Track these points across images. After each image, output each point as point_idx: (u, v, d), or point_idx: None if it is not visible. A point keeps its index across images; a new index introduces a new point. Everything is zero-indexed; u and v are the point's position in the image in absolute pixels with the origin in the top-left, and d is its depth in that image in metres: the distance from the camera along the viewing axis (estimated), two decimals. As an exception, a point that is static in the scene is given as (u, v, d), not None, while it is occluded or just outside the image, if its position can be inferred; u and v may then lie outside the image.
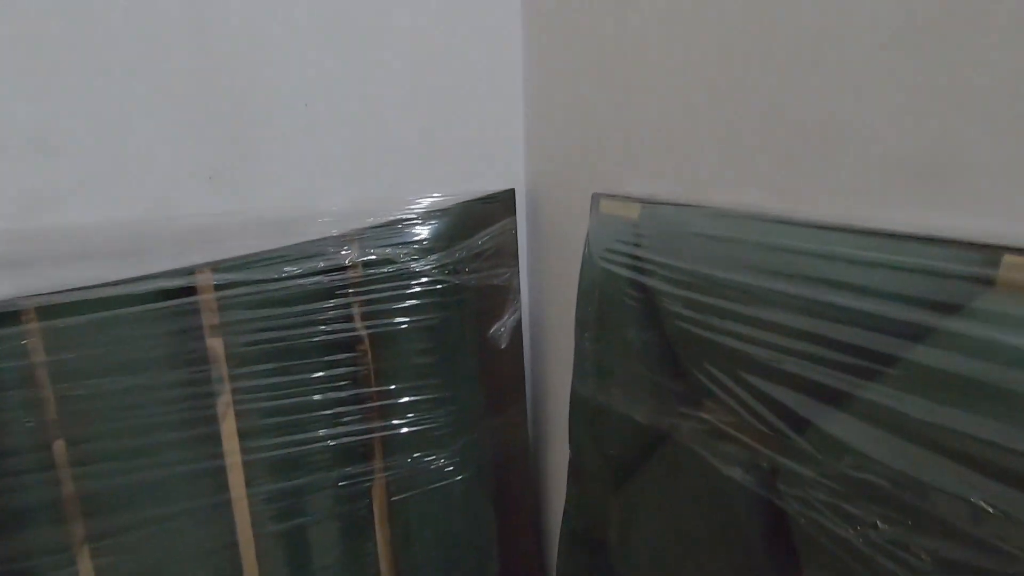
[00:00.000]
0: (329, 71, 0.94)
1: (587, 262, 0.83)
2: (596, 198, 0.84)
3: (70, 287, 0.78)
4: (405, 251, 0.93)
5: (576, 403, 0.88)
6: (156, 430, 0.83)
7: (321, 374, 0.92)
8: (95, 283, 0.79)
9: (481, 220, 1.04)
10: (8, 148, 0.78)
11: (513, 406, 1.15)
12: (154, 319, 0.81)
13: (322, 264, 0.88)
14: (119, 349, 0.79)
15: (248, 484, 0.90)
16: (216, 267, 0.83)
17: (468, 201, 1.03)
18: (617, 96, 0.82)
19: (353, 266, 0.92)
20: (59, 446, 0.78)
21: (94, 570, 0.81)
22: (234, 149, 0.89)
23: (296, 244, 0.87)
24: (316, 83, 0.93)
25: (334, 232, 0.90)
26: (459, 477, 1.04)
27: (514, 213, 1.09)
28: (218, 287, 0.83)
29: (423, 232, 0.96)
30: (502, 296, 1.10)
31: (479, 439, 1.08)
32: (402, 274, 0.94)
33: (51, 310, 0.76)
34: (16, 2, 0.75)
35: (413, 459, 1.00)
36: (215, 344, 0.84)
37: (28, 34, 0.76)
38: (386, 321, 0.95)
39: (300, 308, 0.87)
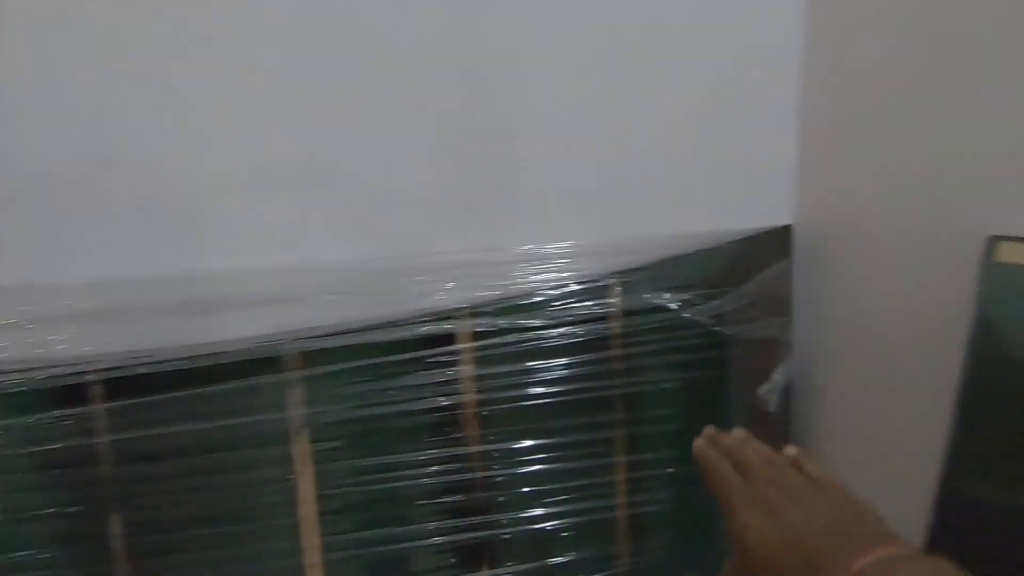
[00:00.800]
0: (591, 100, 0.83)
1: (982, 327, 0.64)
2: (992, 242, 0.64)
3: (329, 329, 0.79)
4: (676, 297, 0.79)
5: (959, 506, 0.68)
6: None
7: (569, 439, 0.80)
8: (354, 327, 0.77)
9: (754, 261, 0.87)
10: (276, 182, 0.78)
11: None
12: (411, 370, 0.74)
13: (579, 309, 0.77)
14: (376, 401, 0.73)
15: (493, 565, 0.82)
16: (474, 312, 0.75)
17: (740, 240, 0.86)
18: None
19: (615, 315, 0.80)
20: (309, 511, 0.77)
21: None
22: (489, 180, 0.81)
23: (549, 288, 0.77)
24: (576, 111, 0.83)
25: (588, 272, 0.79)
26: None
27: (789, 254, 0.90)
28: (476, 335, 0.75)
29: (693, 275, 0.82)
30: (771, 351, 0.92)
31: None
32: (671, 324, 0.81)
33: (311, 356, 0.71)
34: (288, 34, 0.76)
35: (665, 545, 0.85)
36: (467, 400, 0.76)
37: (300, 66, 0.75)
38: (646, 379, 0.82)
39: (559, 361, 0.76)
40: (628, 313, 0.82)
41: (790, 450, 0.47)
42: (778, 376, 0.92)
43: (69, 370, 0.67)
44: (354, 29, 0.77)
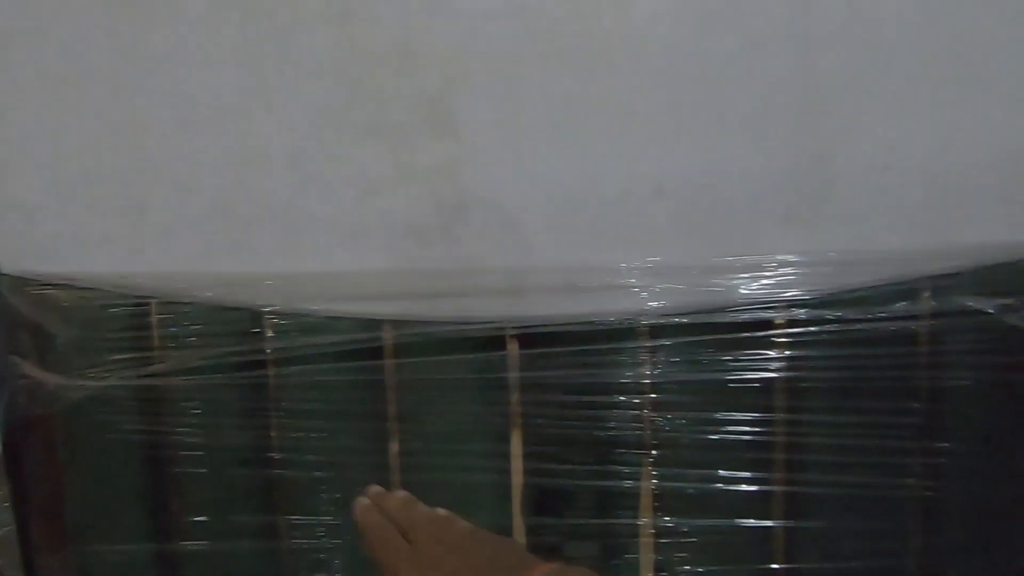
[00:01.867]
0: (915, 109, 0.90)
1: None
2: None
3: (671, 311, 0.99)
4: (994, 303, 0.85)
5: None
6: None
7: (870, 419, 0.92)
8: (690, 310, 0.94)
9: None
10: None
11: None
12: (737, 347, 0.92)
13: (900, 306, 0.87)
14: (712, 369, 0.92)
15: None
16: (794, 304, 0.90)
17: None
18: None
19: (925, 313, 0.89)
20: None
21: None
22: (811, 188, 0.94)
23: (873, 287, 0.89)
24: (901, 120, 0.91)
25: (908, 274, 0.88)
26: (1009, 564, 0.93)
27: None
28: (792, 323, 0.90)
29: (1008, 281, 0.86)
30: None
31: None
32: (986, 327, 0.87)
33: (658, 329, 0.93)
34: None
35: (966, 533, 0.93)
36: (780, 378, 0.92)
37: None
38: (956, 373, 0.89)
39: (871, 352, 0.88)
40: (939, 315, 0.90)
41: (400, 494, 0.48)
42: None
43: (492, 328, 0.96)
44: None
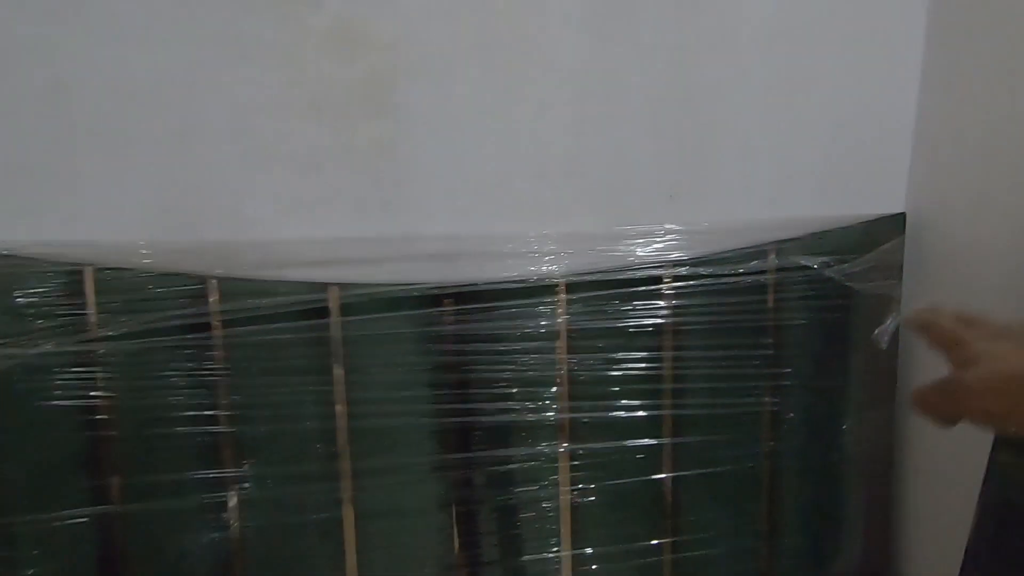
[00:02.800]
0: (766, 102, 1.12)
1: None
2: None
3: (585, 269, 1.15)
4: (816, 260, 1.12)
5: None
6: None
7: (733, 353, 1.15)
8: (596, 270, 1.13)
9: (875, 237, 1.16)
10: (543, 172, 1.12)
11: (885, 403, 1.22)
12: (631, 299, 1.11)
13: (754, 264, 1.11)
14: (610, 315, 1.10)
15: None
16: (678, 264, 1.12)
17: (866, 221, 1.16)
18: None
19: (771, 269, 1.14)
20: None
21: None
22: (690, 171, 1.15)
23: (735, 249, 1.12)
24: (753, 124, 1.13)
25: (760, 240, 1.12)
26: (834, 458, 1.20)
27: (903, 233, 1.19)
28: (677, 279, 1.11)
29: (830, 245, 1.13)
30: (885, 304, 1.20)
31: (854, 427, 1.20)
32: (812, 279, 1.14)
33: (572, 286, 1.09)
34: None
35: (803, 437, 1.18)
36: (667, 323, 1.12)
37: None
38: (793, 315, 1.15)
39: (734, 300, 1.11)
40: (781, 269, 1.15)
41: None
42: (890, 322, 1.21)
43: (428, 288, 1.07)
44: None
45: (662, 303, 1.12)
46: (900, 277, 1.18)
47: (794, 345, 1.18)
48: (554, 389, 1.13)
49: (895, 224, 1.19)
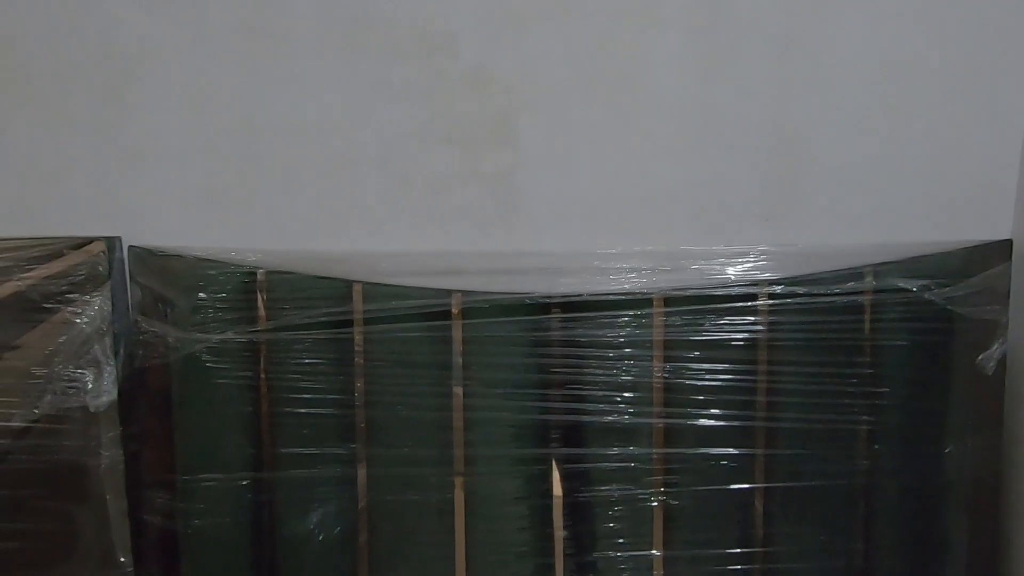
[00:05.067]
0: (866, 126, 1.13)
1: None
2: None
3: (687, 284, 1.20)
4: (916, 283, 1.10)
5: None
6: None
7: (829, 370, 1.15)
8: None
9: (981, 262, 1.12)
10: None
11: (990, 429, 1.16)
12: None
13: (850, 285, 1.11)
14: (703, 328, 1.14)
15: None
16: (773, 283, 1.13)
17: (972, 247, 1.13)
18: None
19: (868, 291, 1.13)
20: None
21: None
22: (785, 196, 1.17)
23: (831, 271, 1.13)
24: (846, 153, 1.14)
25: (857, 263, 1.12)
26: (935, 482, 1.16)
27: (1009, 260, 1.14)
28: (772, 296, 1.13)
29: (930, 268, 1.11)
30: (991, 329, 1.14)
31: (957, 452, 1.15)
32: (910, 301, 1.11)
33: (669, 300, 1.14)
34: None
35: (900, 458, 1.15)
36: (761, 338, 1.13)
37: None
38: (891, 336, 1.13)
39: (830, 319, 1.12)
40: (878, 291, 1.13)
41: None
42: (996, 348, 1.15)
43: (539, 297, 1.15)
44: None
45: (757, 319, 1.13)
46: (1006, 303, 1.13)
47: (892, 365, 1.15)
48: (649, 395, 1.16)
49: (1001, 250, 1.14)
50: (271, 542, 1.22)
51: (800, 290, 1.12)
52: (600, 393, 1.16)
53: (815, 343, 1.13)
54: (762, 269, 1.14)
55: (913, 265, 1.12)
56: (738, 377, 1.14)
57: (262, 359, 1.19)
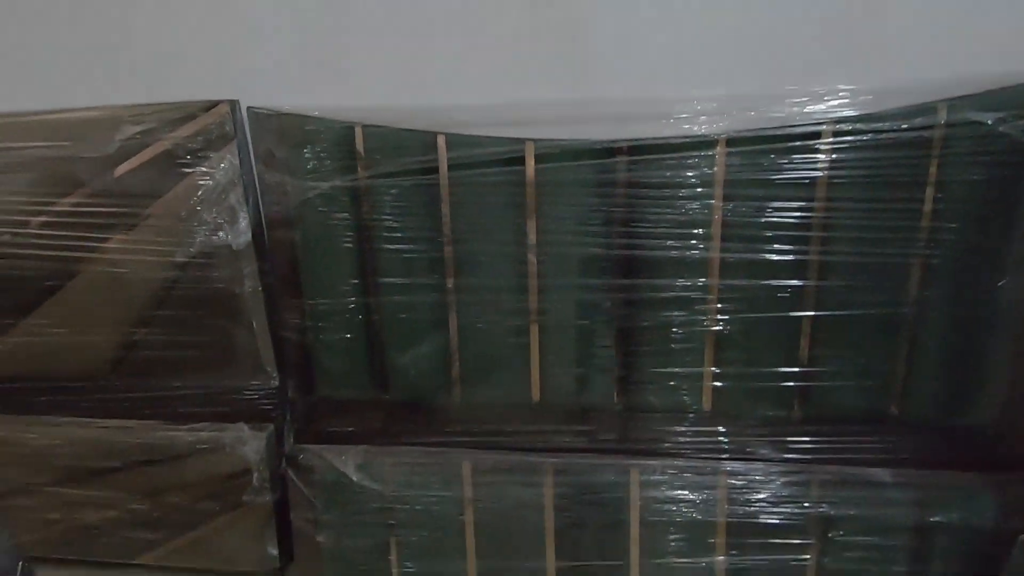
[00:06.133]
0: None
1: None
2: None
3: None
4: (991, 116, 1.06)
5: None
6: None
7: (890, 206, 1.17)
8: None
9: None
10: None
11: None
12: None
13: (919, 120, 1.09)
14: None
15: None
16: (840, 121, 1.13)
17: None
18: None
19: (939, 125, 1.10)
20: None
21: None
22: (857, 32, 1.14)
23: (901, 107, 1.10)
24: None
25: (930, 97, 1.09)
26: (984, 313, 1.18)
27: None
28: (837, 134, 1.13)
29: (1008, 101, 1.07)
30: None
31: (1012, 285, 1.16)
32: (983, 135, 1.08)
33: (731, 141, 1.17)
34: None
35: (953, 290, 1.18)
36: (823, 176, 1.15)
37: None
38: (959, 171, 1.12)
39: (895, 155, 1.12)
40: (950, 125, 1.11)
41: None
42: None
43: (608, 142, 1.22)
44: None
45: (820, 157, 1.15)
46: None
47: (956, 200, 1.15)
48: (708, 231, 1.24)
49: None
50: (381, 356, 1.47)
51: (866, 127, 1.12)
52: (661, 230, 1.25)
53: (877, 180, 1.15)
54: (830, 108, 1.14)
55: (989, 98, 1.08)
56: (796, 214, 1.18)
57: (363, 203, 1.37)
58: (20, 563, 0.77)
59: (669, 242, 1.25)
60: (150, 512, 1.69)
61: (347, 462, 1.46)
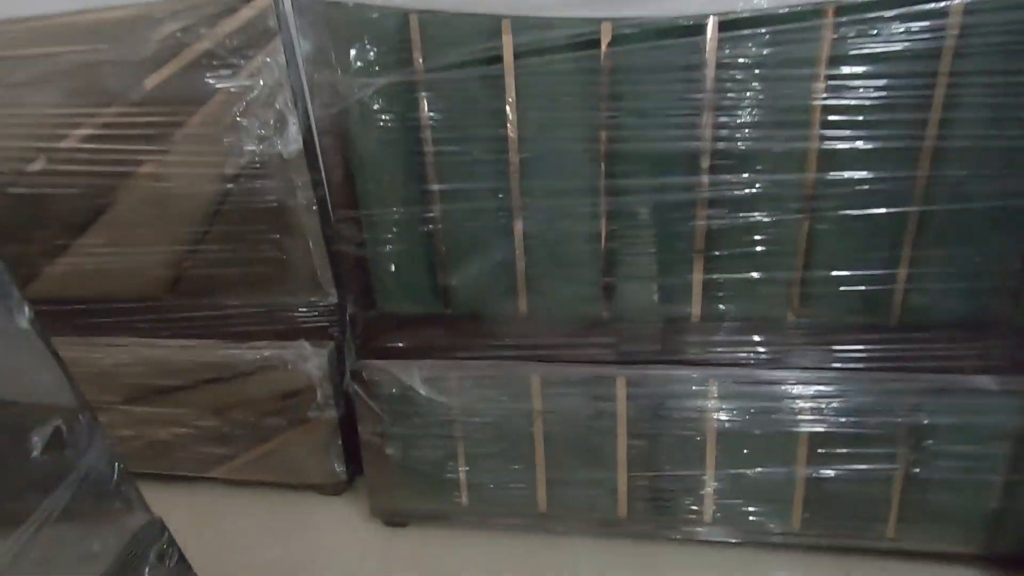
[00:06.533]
0: None
1: None
2: None
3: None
4: None
5: None
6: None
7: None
8: None
9: None
10: None
11: None
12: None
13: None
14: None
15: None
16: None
17: None
18: None
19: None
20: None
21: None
22: None
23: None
24: None
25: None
26: None
27: None
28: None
29: None
30: None
31: None
32: None
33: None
34: None
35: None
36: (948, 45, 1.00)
37: None
38: None
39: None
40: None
41: None
42: None
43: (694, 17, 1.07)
44: None
45: (945, 22, 1.00)
46: None
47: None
48: (807, 117, 1.11)
49: None
50: (443, 268, 1.40)
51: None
52: (753, 118, 1.12)
53: (1016, 48, 1.00)
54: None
55: None
56: (912, 92, 1.04)
57: (422, 99, 1.26)
58: (117, 465, 0.76)
59: (761, 131, 1.13)
60: (219, 428, 1.71)
61: (414, 376, 1.43)
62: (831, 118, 1.10)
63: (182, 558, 0.91)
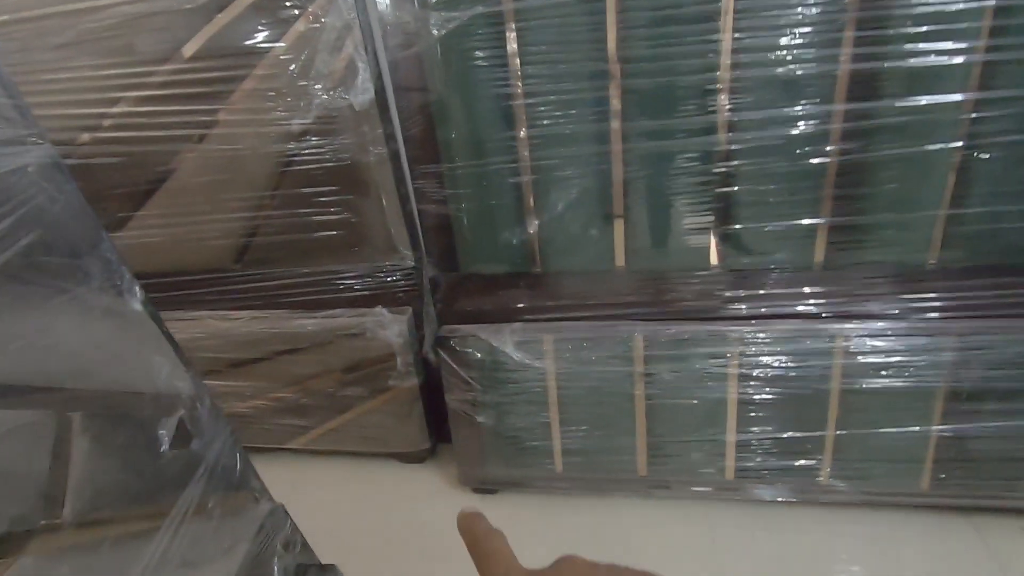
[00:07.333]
0: None
1: None
2: None
3: None
4: None
5: None
6: None
7: None
8: None
9: None
10: None
11: None
12: None
13: None
14: None
15: None
16: None
17: None
18: None
19: None
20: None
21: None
22: None
23: None
24: None
25: None
26: None
27: None
28: None
29: None
30: None
31: None
32: None
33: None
34: None
35: None
36: None
37: None
38: None
39: None
40: None
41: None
42: None
43: None
44: None
45: None
46: None
47: None
48: (978, 26, 0.95)
49: None
50: (533, 221, 1.27)
51: None
52: (898, 31, 0.97)
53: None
54: None
55: None
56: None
57: (512, 33, 1.13)
58: (239, 454, 0.69)
59: (911, 46, 0.96)
60: (297, 399, 1.66)
61: (506, 340, 1.34)
62: (1002, 24, 0.94)
63: (305, 545, 0.86)
